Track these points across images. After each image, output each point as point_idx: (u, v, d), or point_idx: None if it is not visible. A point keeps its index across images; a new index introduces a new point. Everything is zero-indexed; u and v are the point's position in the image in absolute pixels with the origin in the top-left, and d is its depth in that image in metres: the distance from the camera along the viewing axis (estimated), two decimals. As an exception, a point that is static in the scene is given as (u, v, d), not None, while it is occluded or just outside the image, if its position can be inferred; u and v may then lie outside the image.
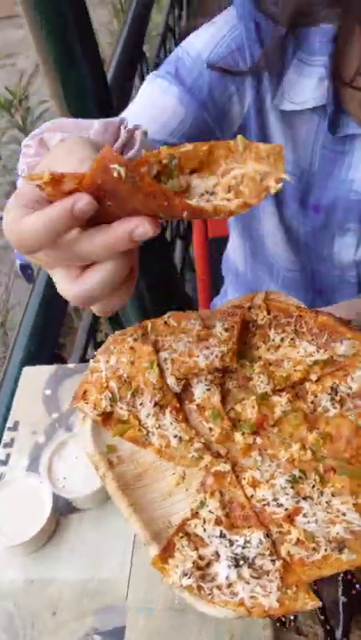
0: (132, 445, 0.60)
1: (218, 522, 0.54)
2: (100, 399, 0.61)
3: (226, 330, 0.62)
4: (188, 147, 0.46)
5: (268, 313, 0.64)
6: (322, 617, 0.65)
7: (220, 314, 0.64)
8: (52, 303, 1.21)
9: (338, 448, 0.56)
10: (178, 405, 0.61)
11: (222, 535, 0.53)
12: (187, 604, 0.63)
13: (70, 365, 1.01)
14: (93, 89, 1.36)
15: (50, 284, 1.24)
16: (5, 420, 0.93)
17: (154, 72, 0.86)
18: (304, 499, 0.54)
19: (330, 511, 0.52)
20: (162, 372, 0.61)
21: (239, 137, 0.45)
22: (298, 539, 0.51)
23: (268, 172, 0.43)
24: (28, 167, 0.67)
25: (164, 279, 1.64)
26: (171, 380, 0.61)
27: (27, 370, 1.00)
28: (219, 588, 0.50)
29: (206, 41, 0.82)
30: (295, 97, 0.82)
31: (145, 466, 0.59)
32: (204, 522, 0.54)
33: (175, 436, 0.60)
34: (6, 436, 0.91)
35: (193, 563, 0.51)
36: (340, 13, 0.75)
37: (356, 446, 0.56)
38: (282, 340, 0.63)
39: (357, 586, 0.65)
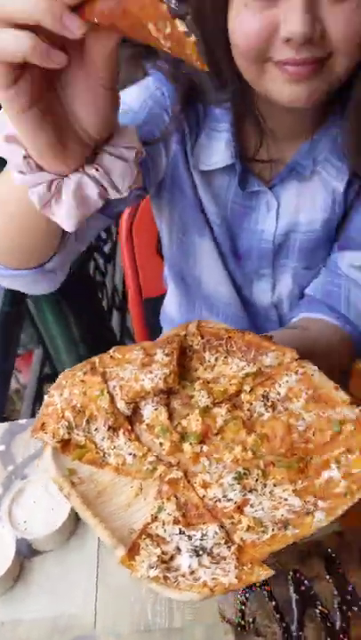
0: (91, 467, 0.66)
1: (176, 522, 0.60)
2: (57, 428, 0.67)
3: (166, 355, 0.70)
4: None
5: (202, 338, 0.73)
6: (277, 615, 0.70)
7: (160, 343, 0.72)
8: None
9: (274, 445, 0.64)
10: (130, 427, 0.68)
11: (181, 532, 0.59)
12: (152, 627, 0.68)
13: (21, 421, 1.06)
14: None
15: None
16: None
17: None
18: (250, 491, 0.61)
19: (273, 499, 0.60)
20: (112, 398, 0.68)
21: None
22: (248, 525, 0.58)
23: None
24: None
25: (102, 347, 1.73)
26: (121, 405, 0.68)
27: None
28: (183, 575, 0.55)
29: (135, 99, 0.90)
30: (207, 160, 0.93)
31: (104, 484, 0.65)
32: (164, 523, 0.60)
33: (130, 454, 0.66)
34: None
35: (157, 557, 0.56)
36: (229, 98, 0.87)
37: (290, 442, 0.64)
38: (216, 359, 0.71)
39: (306, 582, 0.71)
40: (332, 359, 0.93)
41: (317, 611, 0.69)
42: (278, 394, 0.67)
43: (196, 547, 0.58)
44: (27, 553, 0.84)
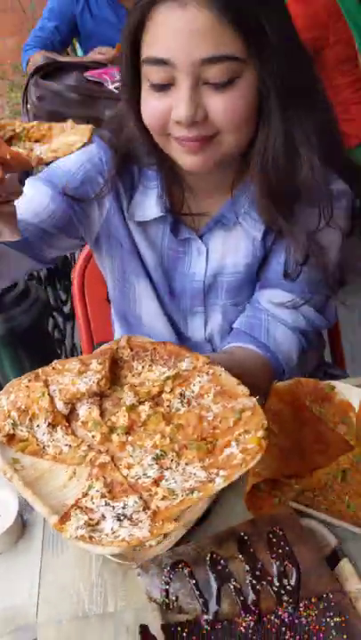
0: (32, 457, 0.77)
1: (103, 496, 0.71)
2: (3, 425, 0.78)
3: (99, 364, 0.82)
4: (34, 123, 0.71)
5: (131, 350, 0.86)
6: (197, 592, 0.79)
7: (94, 355, 0.85)
8: None
9: (188, 433, 0.76)
10: (67, 424, 0.79)
11: (107, 504, 0.70)
12: (89, 613, 0.78)
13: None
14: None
15: None
16: None
17: (32, 177, 1.10)
18: (166, 469, 0.72)
19: (185, 474, 0.71)
20: (52, 399, 0.80)
21: (70, 120, 0.71)
22: (163, 495, 0.69)
23: (78, 140, 0.68)
24: None
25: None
26: (59, 405, 0.80)
27: None
28: (106, 535, 0.66)
29: (73, 161, 1.07)
30: (142, 213, 1.10)
31: (43, 470, 0.76)
32: (92, 498, 0.71)
33: (66, 445, 0.77)
34: None
35: (85, 522, 0.67)
36: (157, 161, 1.05)
37: (200, 429, 0.76)
38: (142, 367, 0.84)
39: (222, 562, 0.81)
40: (254, 380, 1.06)
41: (232, 586, 0.79)
42: (192, 392, 0.79)
43: (119, 514, 0.68)
44: (-25, 555, 0.92)
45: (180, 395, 0.80)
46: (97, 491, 0.71)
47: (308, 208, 1.01)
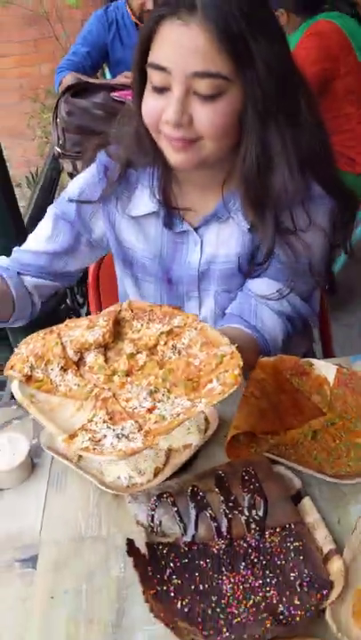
0: (46, 394, 0.91)
1: (105, 422, 0.85)
2: (22, 367, 0.93)
3: (105, 320, 0.97)
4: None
5: (132, 311, 1.00)
6: (178, 519, 0.92)
7: (100, 315, 0.99)
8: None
9: (177, 375, 0.90)
10: (76, 368, 0.94)
11: (108, 427, 0.83)
12: (84, 536, 0.91)
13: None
14: (11, 228, 1.79)
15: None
16: None
17: (51, 208, 1.38)
18: (158, 402, 0.86)
19: (173, 404, 0.85)
20: (64, 348, 0.95)
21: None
22: (155, 420, 0.83)
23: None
24: None
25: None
26: (70, 353, 0.94)
27: None
28: (107, 448, 0.79)
29: (77, 184, 1.33)
30: (137, 209, 1.28)
31: (55, 404, 0.90)
32: (96, 423, 0.85)
33: (75, 384, 0.91)
34: None
35: (89, 438, 0.81)
36: (151, 161, 1.22)
37: (188, 372, 0.90)
38: (141, 325, 0.98)
39: (201, 493, 0.94)
40: (243, 354, 1.20)
41: (208, 515, 0.92)
42: (183, 344, 0.94)
43: (118, 434, 0.82)
44: (-11, 490, 1.06)
45: (173, 346, 0.94)
46: (100, 418, 0.85)
47: (283, 210, 1.15)
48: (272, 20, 1.07)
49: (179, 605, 0.82)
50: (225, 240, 1.25)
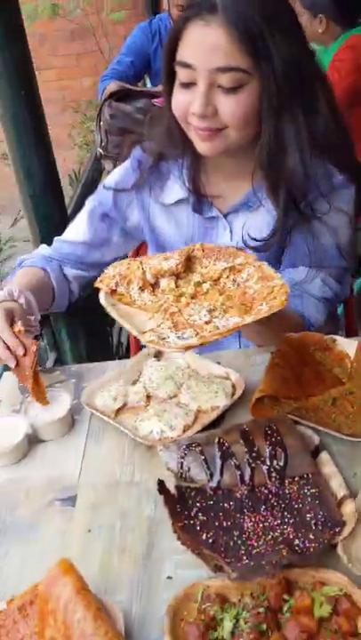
0: (125, 306, 1.09)
1: (169, 328, 1.00)
2: (109, 282, 1.12)
3: (179, 255, 1.15)
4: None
5: (203, 251, 1.17)
6: (205, 466, 1.01)
7: (176, 251, 1.17)
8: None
9: (234, 300, 1.06)
10: (152, 289, 1.12)
11: (172, 331, 0.99)
12: (119, 481, 1.00)
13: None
14: (57, 218, 1.91)
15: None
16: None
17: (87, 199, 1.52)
18: (214, 318, 1.02)
19: (227, 321, 1.01)
20: (144, 272, 1.12)
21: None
22: (210, 329, 0.98)
23: None
24: None
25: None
26: (149, 276, 1.13)
27: (7, 374, 1.38)
28: (170, 342, 0.95)
29: (113, 175, 1.46)
30: (169, 197, 1.39)
31: (131, 313, 1.09)
32: (162, 328, 1.00)
33: (149, 300, 1.09)
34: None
35: (157, 335, 0.96)
36: (181, 153, 1.33)
37: (243, 299, 1.05)
38: (209, 262, 1.14)
39: (226, 444, 1.02)
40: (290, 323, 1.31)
41: (233, 463, 1.00)
42: (242, 278, 1.09)
43: (179, 336, 0.98)
44: (34, 440, 1.16)
45: (233, 280, 1.10)
46: (166, 325, 1.02)
47: (303, 195, 1.24)
48: (288, 15, 1.17)
49: (204, 537, 0.91)
50: (254, 226, 1.34)
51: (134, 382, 1.24)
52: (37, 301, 1.33)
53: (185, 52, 1.16)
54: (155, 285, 1.14)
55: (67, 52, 5.73)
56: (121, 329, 2.52)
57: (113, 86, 2.96)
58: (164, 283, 1.13)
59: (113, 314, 1.07)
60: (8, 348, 1.17)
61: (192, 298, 1.10)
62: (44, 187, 1.76)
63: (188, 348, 0.97)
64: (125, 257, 1.71)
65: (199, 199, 1.37)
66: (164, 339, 0.99)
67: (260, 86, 1.14)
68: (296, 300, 1.33)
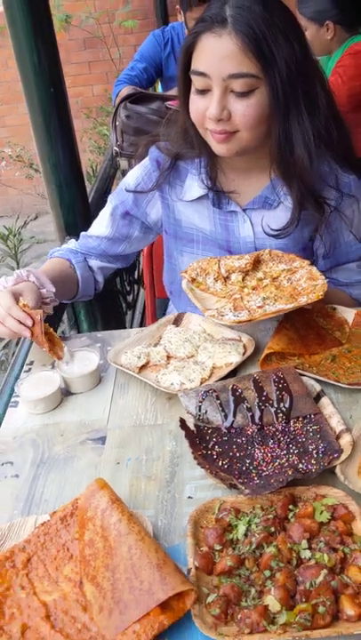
0: (201, 291, 1.32)
1: (230, 309, 1.22)
2: (191, 272, 1.34)
3: (249, 257, 1.37)
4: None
5: (270, 255, 1.37)
6: (220, 409, 1.15)
7: (247, 254, 1.40)
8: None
9: (285, 293, 1.26)
10: (224, 281, 1.33)
11: (230, 311, 1.23)
12: (144, 423, 1.14)
13: (63, 336, 1.54)
14: (79, 207, 2.07)
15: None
16: (25, 358, 1.44)
17: (109, 197, 1.64)
18: (266, 304, 1.22)
19: (275, 307, 1.22)
20: (220, 267, 1.33)
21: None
22: (262, 314, 1.18)
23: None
24: None
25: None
26: (223, 270, 1.35)
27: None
28: (225, 319, 1.20)
29: (132, 176, 1.58)
30: (190, 194, 1.51)
31: (204, 296, 1.32)
32: (224, 308, 1.25)
33: (220, 289, 1.31)
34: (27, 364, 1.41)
35: (217, 313, 1.25)
36: (197, 153, 1.46)
37: (292, 292, 1.26)
38: (273, 264, 1.35)
39: (239, 390, 1.17)
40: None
41: (245, 406, 1.14)
42: (295, 277, 1.29)
43: (235, 314, 1.20)
44: (66, 393, 1.30)
45: (288, 279, 1.34)
46: (227, 307, 1.26)
47: (315, 189, 1.38)
48: (290, 20, 1.29)
49: (220, 463, 1.05)
50: (273, 220, 1.46)
51: (155, 345, 1.38)
52: (61, 287, 1.49)
53: (199, 62, 1.28)
54: (227, 278, 1.39)
55: (79, 60, 5.92)
56: (134, 313, 2.67)
57: (127, 90, 3.12)
58: (233, 277, 1.38)
59: (190, 296, 1.34)
60: (20, 322, 1.30)
61: (253, 289, 1.34)
62: (70, 178, 1.91)
63: (240, 322, 1.22)
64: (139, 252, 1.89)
65: (218, 195, 1.49)
66: (222, 315, 1.25)
67: (270, 88, 1.27)
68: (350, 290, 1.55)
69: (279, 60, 1.25)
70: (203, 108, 1.31)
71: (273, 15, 1.25)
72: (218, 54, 1.25)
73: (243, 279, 1.38)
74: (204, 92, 1.30)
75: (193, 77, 1.31)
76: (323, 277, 1.29)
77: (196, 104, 1.32)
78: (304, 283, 1.30)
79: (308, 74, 1.31)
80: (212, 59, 1.26)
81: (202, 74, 1.28)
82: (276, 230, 1.42)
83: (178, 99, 1.43)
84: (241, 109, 1.27)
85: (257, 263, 1.40)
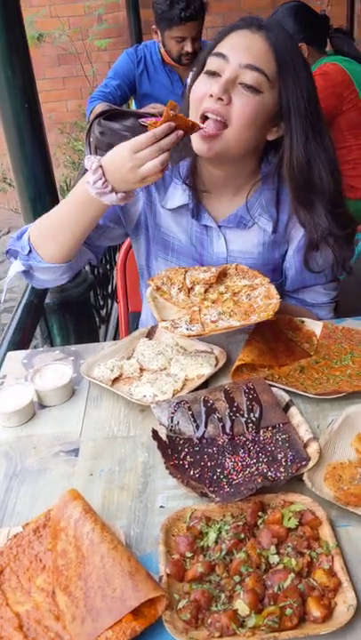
0: (163, 300, 1.34)
1: (185, 322, 1.27)
2: (157, 280, 1.37)
3: (215, 270, 1.40)
4: None
5: (236, 270, 1.41)
6: (192, 420, 1.17)
7: (214, 267, 1.42)
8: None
9: (241, 309, 1.32)
10: (187, 292, 1.36)
11: (185, 323, 1.28)
12: (116, 435, 1.16)
13: (36, 350, 1.56)
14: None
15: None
16: (-2, 371, 1.44)
17: None
18: (220, 319, 1.28)
19: (228, 322, 1.27)
20: (185, 279, 1.37)
21: None
22: (212, 328, 1.25)
23: None
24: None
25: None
26: (187, 282, 1.39)
27: (10, 354, 1.53)
28: (178, 331, 1.23)
29: None
30: (172, 202, 1.52)
31: (166, 306, 1.36)
32: (180, 320, 1.30)
33: (182, 300, 1.35)
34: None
35: (171, 324, 1.29)
36: (182, 157, 1.48)
37: (249, 309, 1.30)
38: (237, 279, 1.39)
39: (210, 401, 1.19)
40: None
41: (216, 417, 1.17)
42: (254, 294, 1.33)
43: (188, 328, 1.27)
44: (38, 406, 1.31)
45: (248, 294, 1.37)
46: (184, 319, 1.29)
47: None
48: (306, 63, 1.38)
49: (191, 473, 1.07)
50: (246, 240, 1.51)
51: (128, 358, 1.40)
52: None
53: (224, 46, 1.34)
54: (190, 290, 1.42)
55: (53, 76, 5.95)
56: (107, 327, 2.69)
57: (101, 107, 3.16)
58: (197, 289, 1.41)
59: (150, 304, 1.37)
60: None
61: (213, 303, 1.38)
62: (43, 191, 1.93)
63: (189, 336, 1.27)
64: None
65: (197, 207, 1.51)
66: (176, 327, 1.28)
67: (276, 98, 1.33)
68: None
69: (296, 79, 1.33)
70: (206, 89, 1.32)
71: (296, 45, 1.39)
72: (244, 44, 1.33)
73: (205, 292, 1.41)
74: (213, 74, 1.33)
75: (210, 60, 1.35)
76: (277, 297, 1.30)
77: (201, 85, 1.34)
78: (261, 300, 1.33)
79: (318, 111, 1.37)
80: (238, 46, 1.33)
81: (221, 54, 1.33)
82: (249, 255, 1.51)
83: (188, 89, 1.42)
84: (241, 101, 1.30)
85: (222, 276, 1.44)
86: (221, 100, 1.30)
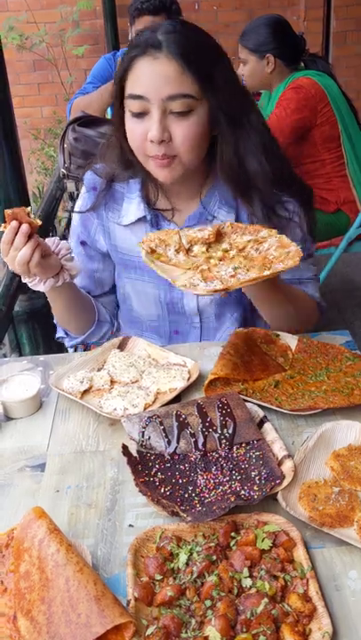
0: (162, 263, 1.23)
1: (199, 279, 1.17)
2: (149, 243, 1.25)
3: (211, 227, 1.29)
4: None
5: (231, 228, 1.30)
6: (164, 435, 1.13)
7: (208, 225, 1.33)
8: None
9: (255, 262, 1.21)
10: (186, 251, 1.26)
11: (201, 281, 1.18)
12: (85, 450, 1.11)
13: (3, 359, 1.50)
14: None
15: None
16: None
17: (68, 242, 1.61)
18: (239, 274, 1.18)
19: (249, 275, 1.18)
20: (180, 238, 1.27)
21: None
22: (239, 281, 1.15)
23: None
24: None
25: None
26: (184, 241, 1.26)
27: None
28: (199, 288, 1.17)
29: (77, 204, 1.59)
30: (128, 217, 1.50)
31: (167, 268, 1.23)
32: (193, 279, 1.18)
33: (183, 260, 1.23)
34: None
35: (189, 282, 1.19)
36: (132, 173, 1.47)
37: (263, 261, 1.21)
38: (237, 236, 1.29)
39: (183, 416, 1.15)
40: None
41: (188, 432, 1.13)
42: (264, 247, 1.24)
43: (208, 284, 1.18)
44: (4, 419, 1.26)
45: (256, 249, 1.25)
46: (196, 277, 1.20)
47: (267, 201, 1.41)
48: (217, 45, 1.35)
49: (162, 490, 1.03)
50: None
51: (99, 369, 1.36)
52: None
53: (136, 86, 1.29)
54: (189, 250, 1.30)
55: (28, 82, 5.89)
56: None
57: (80, 101, 3.15)
58: (196, 248, 1.30)
59: (153, 266, 1.24)
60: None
61: (220, 260, 1.27)
62: (15, 197, 1.89)
63: (215, 291, 1.16)
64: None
65: (156, 216, 1.49)
66: (195, 285, 1.18)
67: (207, 109, 1.30)
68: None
69: (217, 79, 1.29)
70: (142, 132, 1.30)
71: (202, 39, 1.32)
72: (155, 76, 1.27)
73: (207, 250, 1.30)
74: (140, 115, 1.30)
75: (129, 102, 1.31)
76: (295, 244, 1.23)
77: (135, 129, 1.32)
78: (275, 251, 1.23)
79: (244, 93, 1.38)
80: (150, 81, 1.27)
81: (139, 97, 1.28)
82: None
83: (113, 125, 1.43)
84: (181, 131, 1.29)
85: (218, 236, 1.33)
86: (163, 141, 1.29)
